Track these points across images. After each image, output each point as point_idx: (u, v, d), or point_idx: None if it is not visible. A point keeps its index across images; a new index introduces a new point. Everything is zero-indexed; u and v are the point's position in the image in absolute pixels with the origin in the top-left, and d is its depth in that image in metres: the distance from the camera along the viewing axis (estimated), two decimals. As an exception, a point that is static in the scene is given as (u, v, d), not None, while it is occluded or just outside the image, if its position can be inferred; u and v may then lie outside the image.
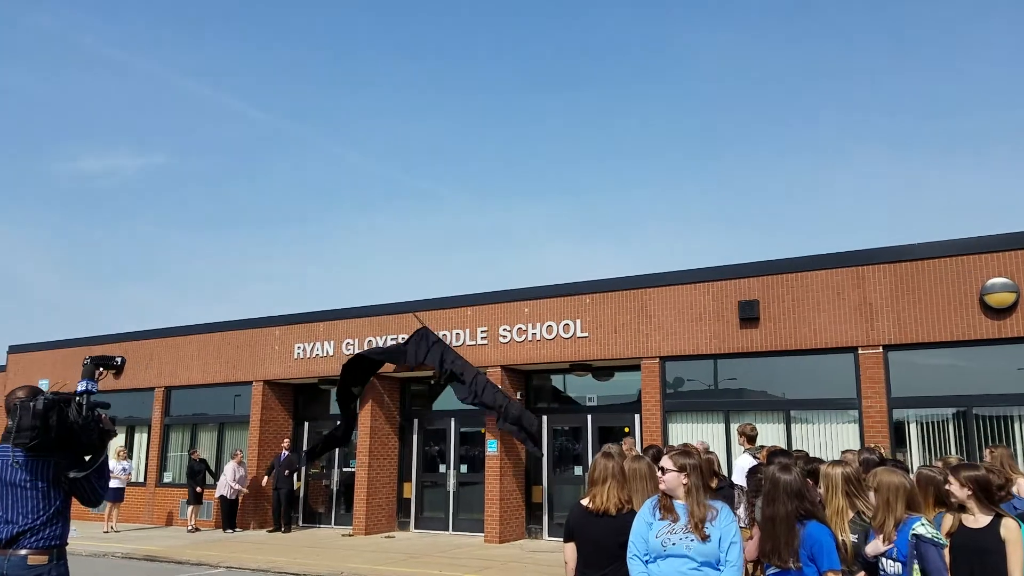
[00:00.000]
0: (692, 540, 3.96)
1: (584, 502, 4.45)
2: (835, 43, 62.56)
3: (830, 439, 12.04)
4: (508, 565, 12.03)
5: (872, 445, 8.90)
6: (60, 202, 66.57)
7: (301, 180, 69.65)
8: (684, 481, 4.10)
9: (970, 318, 11.23)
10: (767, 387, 12.59)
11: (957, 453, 10.88)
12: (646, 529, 4.17)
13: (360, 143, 71.74)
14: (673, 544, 4.01)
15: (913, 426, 11.68)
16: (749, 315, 12.55)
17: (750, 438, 9.21)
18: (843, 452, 8.57)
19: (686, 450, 4.30)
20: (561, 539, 14.00)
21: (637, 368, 14.28)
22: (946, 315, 11.45)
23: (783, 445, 12.19)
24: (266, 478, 16.88)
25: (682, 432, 13.14)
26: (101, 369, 4.18)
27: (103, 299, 63.34)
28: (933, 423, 11.52)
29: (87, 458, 3.93)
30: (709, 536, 3.94)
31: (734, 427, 12.59)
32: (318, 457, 16.85)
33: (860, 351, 11.85)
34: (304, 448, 18.00)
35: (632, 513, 4.35)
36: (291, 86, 68.06)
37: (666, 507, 4.15)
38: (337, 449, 17.79)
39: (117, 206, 67.94)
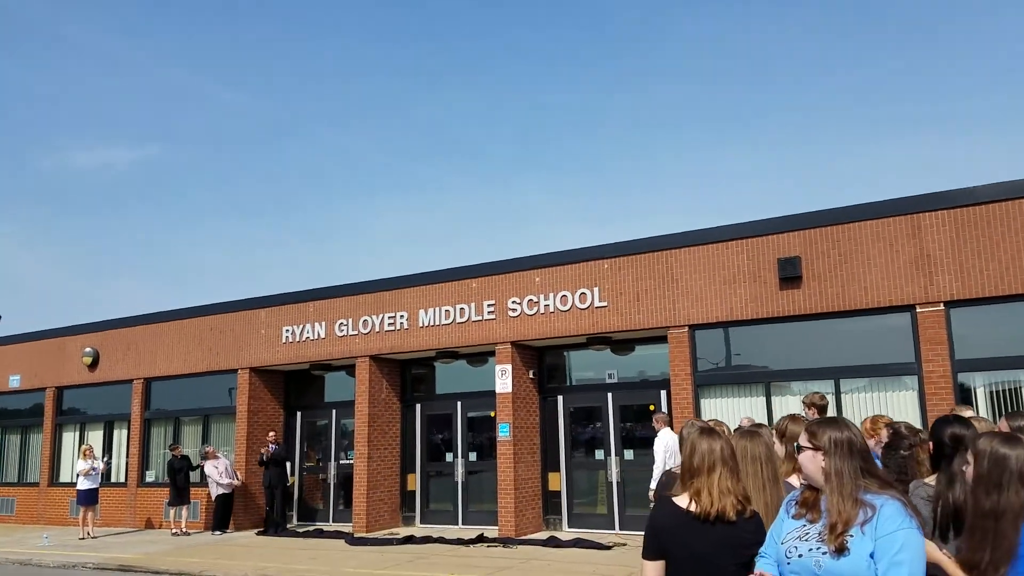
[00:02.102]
0: (823, 553, 2.58)
1: (680, 500, 2.99)
2: None
3: (886, 409, 10.64)
4: (529, 563, 10.67)
5: None
6: (51, 197, 64.73)
7: (299, 169, 67.92)
8: (823, 464, 2.71)
9: (1047, 267, 9.85)
10: (812, 354, 11.20)
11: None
12: (778, 528, 2.82)
13: (356, 130, 69.99)
14: (799, 556, 2.63)
15: (981, 391, 10.32)
16: (790, 274, 11.15)
17: (821, 408, 7.82)
18: (973, 417, 6.97)
19: (833, 420, 2.88)
20: (580, 530, 12.32)
21: (662, 340, 12.89)
22: (1016, 265, 10.07)
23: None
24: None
25: (717, 408, 11.76)
26: None
27: (100, 295, 61.68)
28: (1006, 388, 10.17)
29: None
30: (849, 549, 2.53)
31: (777, 401, 11.27)
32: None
33: (918, 309, 10.47)
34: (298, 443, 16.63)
35: (756, 518, 2.95)
36: (284, 75, 66.21)
37: (807, 501, 2.77)
38: (331, 440, 16.42)
39: (111, 200, 66.11)
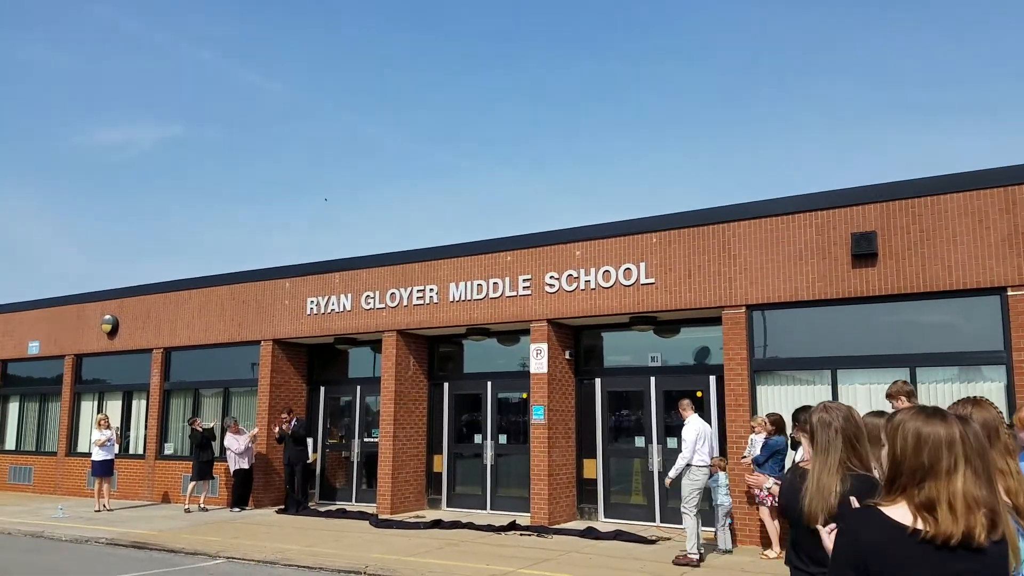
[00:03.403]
0: None
1: (899, 515, 2.02)
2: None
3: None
4: (569, 556, 9.85)
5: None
6: (76, 176, 64.68)
7: (320, 152, 67.26)
8: None
9: None
10: (886, 339, 10.20)
11: None
12: None
13: (379, 116, 69.13)
14: None
15: (1077, 386, 9.28)
16: (864, 251, 10.13)
17: (909, 396, 6.88)
18: None
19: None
20: (618, 521, 11.26)
21: (712, 321, 11.95)
22: (1123, 246, 8.99)
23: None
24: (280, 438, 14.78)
25: (774, 397, 10.83)
26: None
27: (123, 273, 61.66)
28: (1108, 382, 9.12)
29: None
30: None
31: (844, 390, 10.30)
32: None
33: (1010, 292, 9.42)
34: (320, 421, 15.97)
35: (1004, 542, 2.04)
36: (306, 57, 65.41)
37: None
38: (355, 418, 15.71)
39: (134, 179, 65.96)
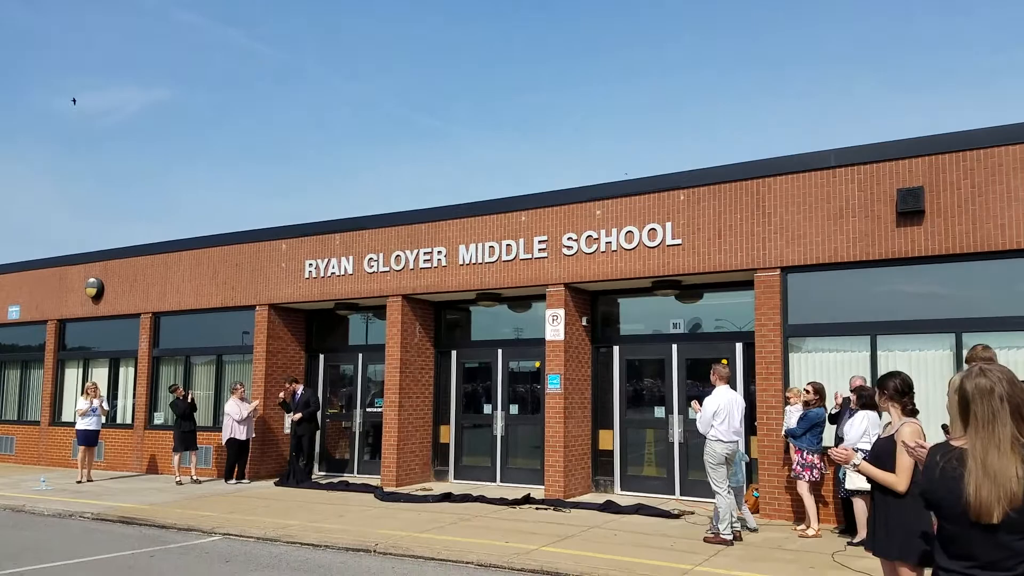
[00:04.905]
0: None
1: None
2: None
3: (1019, 369, 9.03)
4: (591, 532, 9.21)
5: None
6: (61, 139, 62.95)
7: (310, 115, 65.80)
8: None
9: None
10: (931, 303, 9.54)
11: None
12: None
13: (372, 77, 67.57)
14: None
15: None
16: (911, 207, 9.42)
17: (986, 363, 6.20)
18: None
19: None
20: (636, 494, 10.48)
21: (737, 286, 11.29)
22: None
23: (950, 377, 9.24)
24: (289, 418, 13.99)
25: (809, 365, 10.18)
26: None
27: (109, 235, 60.25)
28: None
29: None
30: None
31: (884, 357, 9.65)
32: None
33: (1069, 254, 8.77)
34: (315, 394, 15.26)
35: None
36: (296, 19, 63.67)
37: None
38: (357, 387, 14.99)
39: (121, 142, 64.29)
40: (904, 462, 4.10)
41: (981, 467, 2.55)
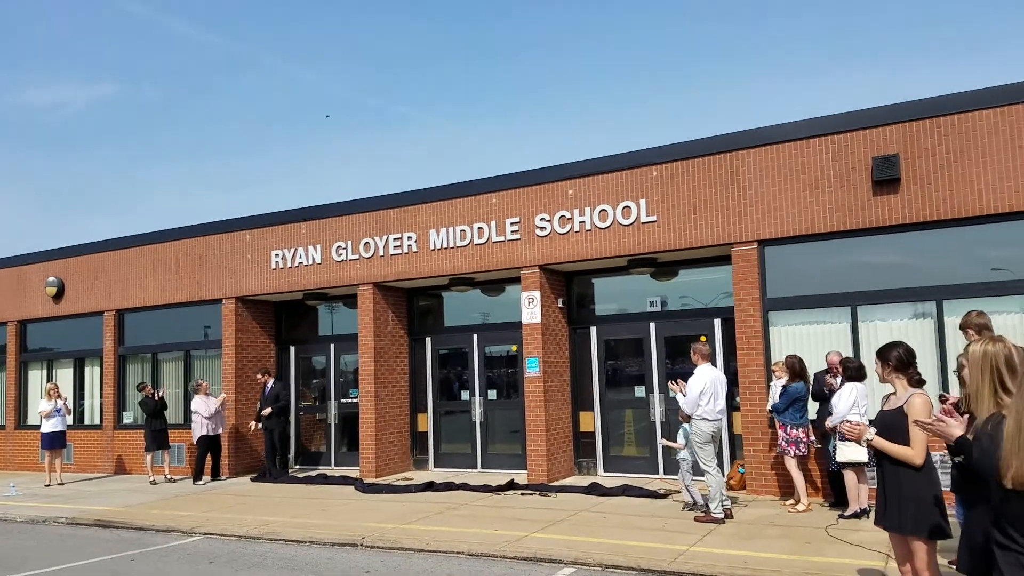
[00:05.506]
0: None
1: None
2: None
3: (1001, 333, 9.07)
4: (579, 516, 9.11)
5: None
6: (6, 135, 60.87)
7: (260, 105, 64.44)
8: None
9: None
10: (910, 271, 9.53)
11: None
12: None
13: (318, 63, 66.31)
14: None
15: (1112, 314, 8.77)
16: (887, 175, 9.38)
17: (979, 329, 6.17)
18: None
19: None
20: (619, 475, 10.34)
21: (713, 261, 11.22)
22: None
23: (933, 345, 9.29)
24: (254, 424, 13.67)
25: (790, 338, 10.13)
26: None
27: (64, 234, 58.58)
28: None
29: None
30: None
31: (865, 328, 9.65)
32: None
33: (1044, 217, 8.80)
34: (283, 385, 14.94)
35: None
36: (239, 6, 62.07)
37: None
38: (331, 378, 14.71)
39: (70, 139, 62.37)
40: (919, 435, 4.01)
41: (1020, 429, 2.51)
